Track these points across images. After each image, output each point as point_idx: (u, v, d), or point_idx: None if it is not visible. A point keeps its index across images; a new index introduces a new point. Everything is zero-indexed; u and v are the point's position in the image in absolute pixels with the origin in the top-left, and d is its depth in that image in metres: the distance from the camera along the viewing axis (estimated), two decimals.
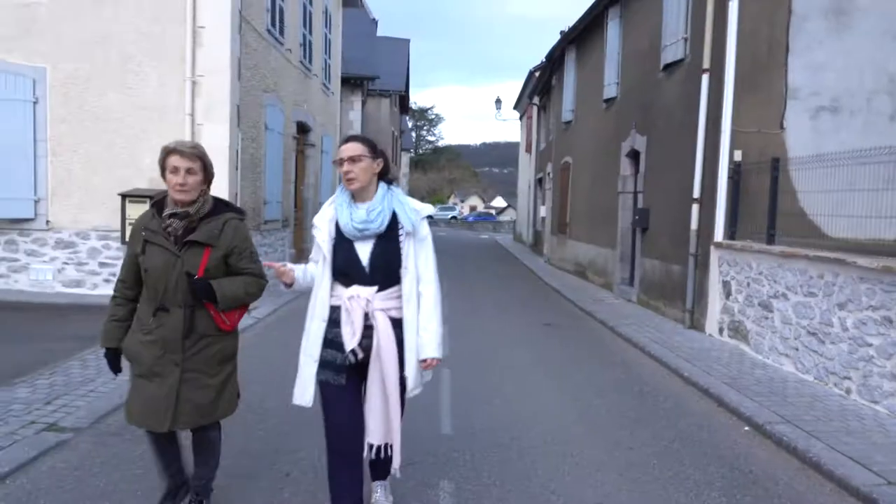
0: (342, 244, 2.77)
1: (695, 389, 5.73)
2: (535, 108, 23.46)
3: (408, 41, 31.08)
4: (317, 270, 2.87)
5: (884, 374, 4.82)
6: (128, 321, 2.86)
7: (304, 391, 2.82)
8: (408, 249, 2.77)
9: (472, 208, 78.62)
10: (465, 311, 9.55)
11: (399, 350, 2.77)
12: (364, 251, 2.75)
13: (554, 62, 17.89)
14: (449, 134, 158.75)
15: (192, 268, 2.74)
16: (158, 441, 2.89)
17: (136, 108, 8.98)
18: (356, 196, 2.80)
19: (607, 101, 12.34)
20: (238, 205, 9.62)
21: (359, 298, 2.72)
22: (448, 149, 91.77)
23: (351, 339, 2.73)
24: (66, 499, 3.27)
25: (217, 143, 9.05)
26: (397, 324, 2.78)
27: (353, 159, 2.74)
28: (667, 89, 9.43)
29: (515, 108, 31.02)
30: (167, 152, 2.79)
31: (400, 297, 2.78)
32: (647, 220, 10.05)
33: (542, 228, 20.50)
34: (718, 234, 7.71)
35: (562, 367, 6.55)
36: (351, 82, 20.81)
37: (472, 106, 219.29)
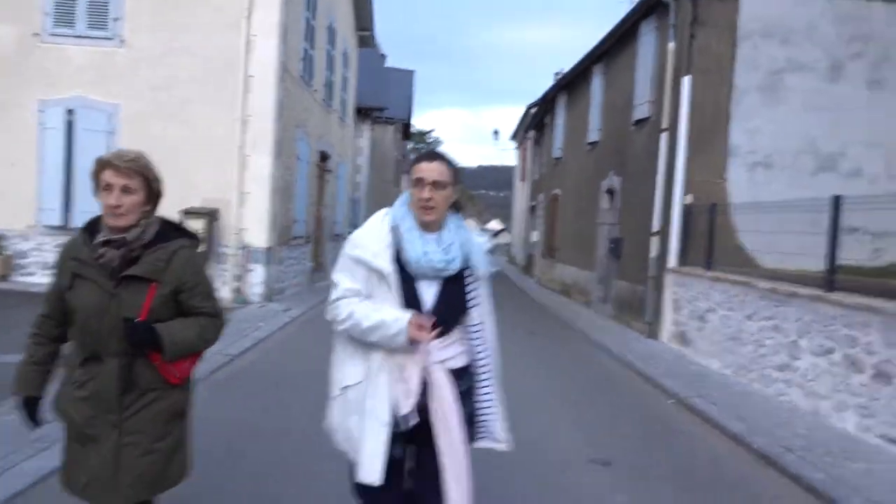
0: (403, 281, 2.30)
1: (640, 377, 7.51)
2: (529, 142, 25.43)
3: (413, 72, 33.04)
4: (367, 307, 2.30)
5: (773, 366, 6.61)
6: (47, 365, 2.36)
7: (374, 464, 2.25)
8: (482, 293, 2.41)
9: None
10: None
11: (472, 405, 2.43)
12: (428, 292, 2.31)
13: (548, 103, 19.87)
14: None
15: (133, 309, 2.19)
16: None
17: (192, 141, 10.75)
18: (425, 225, 2.33)
19: (591, 143, 14.25)
20: (276, 224, 11.50)
21: (418, 350, 2.26)
22: None
23: (406, 399, 2.26)
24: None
25: (262, 172, 10.92)
26: (458, 375, 2.38)
27: (437, 184, 2.28)
28: (636, 140, 11.32)
29: (513, 138, 33.06)
30: (101, 165, 2.23)
31: (458, 341, 2.40)
32: (620, 249, 11.87)
33: (534, 252, 22.34)
34: (672, 261, 9.53)
35: (541, 360, 8.31)
36: (361, 112, 22.71)
37: (470, 130, 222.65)
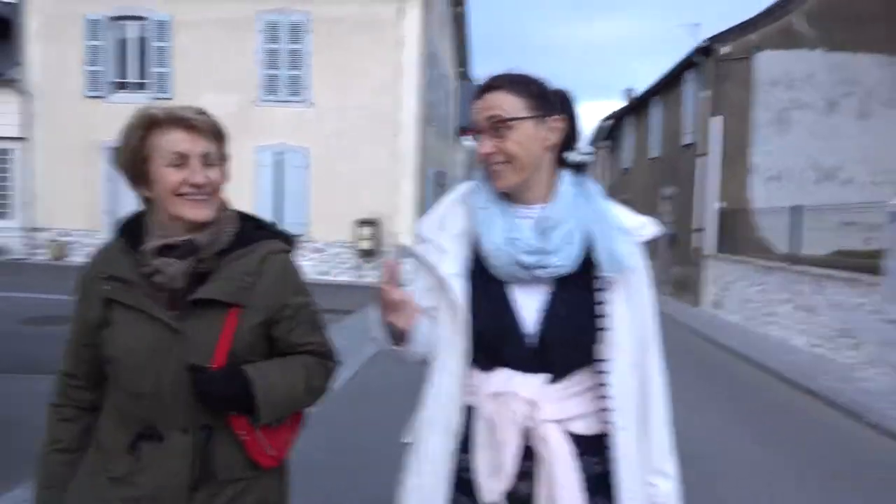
0: (486, 287, 1.37)
1: (682, 328, 11.33)
2: (603, 151, 29.03)
3: None
4: (430, 330, 1.42)
5: (764, 314, 10.31)
6: (81, 452, 1.42)
7: None
8: (618, 307, 1.39)
9: None
10: None
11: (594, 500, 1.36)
12: (529, 304, 1.36)
13: (617, 120, 23.52)
14: None
15: (203, 353, 1.33)
16: None
17: (359, 172, 15.22)
18: (512, 194, 1.39)
19: (651, 159, 17.93)
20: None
21: (514, 399, 1.33)
22: None
23: (492, 478, 1.33)
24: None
25: (407, 192, 15.30)
26: (589, 448, 1.38)
27: (497, 124, 1.33)
28: (685, 159, 14.99)
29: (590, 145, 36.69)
30: (157, 122, 1.32)
31: (590, 391, 1.39)
32: (676, 241, 15.57)
33: None
34: (710, 250, 13.22)
35: None
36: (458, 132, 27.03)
37: None
